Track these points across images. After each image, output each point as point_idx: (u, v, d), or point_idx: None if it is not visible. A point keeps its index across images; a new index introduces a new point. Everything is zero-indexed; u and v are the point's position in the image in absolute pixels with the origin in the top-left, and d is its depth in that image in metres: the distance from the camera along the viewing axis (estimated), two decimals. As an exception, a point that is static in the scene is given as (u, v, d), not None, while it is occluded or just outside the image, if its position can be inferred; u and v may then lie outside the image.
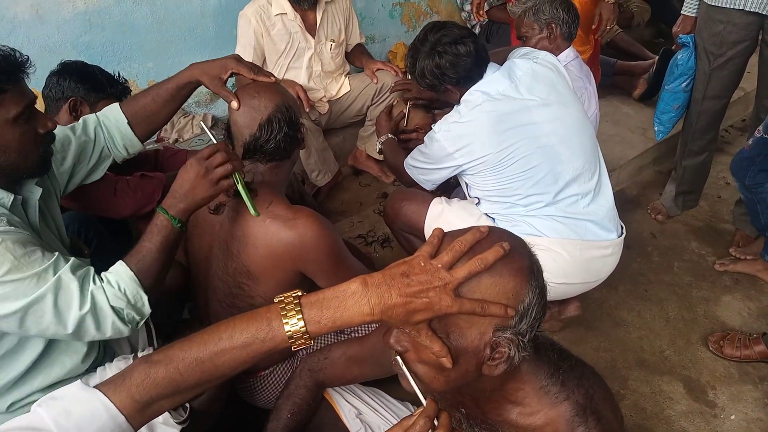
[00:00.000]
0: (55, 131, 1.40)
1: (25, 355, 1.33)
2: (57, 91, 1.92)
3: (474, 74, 1.97)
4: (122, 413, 0.81)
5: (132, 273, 1.32)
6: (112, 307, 1.28)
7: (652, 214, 3.06)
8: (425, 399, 0.91)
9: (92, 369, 1.47)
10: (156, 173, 2.03)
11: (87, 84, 1.93)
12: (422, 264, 0.85)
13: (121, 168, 1.86)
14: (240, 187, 1.41)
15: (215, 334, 0.85)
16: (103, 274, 1.32)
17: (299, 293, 0.86)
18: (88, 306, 1.24)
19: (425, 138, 2.06)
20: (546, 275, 0.93)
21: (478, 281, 0.85)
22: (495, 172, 1.95)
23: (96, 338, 1.30)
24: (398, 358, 0.93)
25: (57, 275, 1.23)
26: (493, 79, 1.97)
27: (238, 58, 1.59)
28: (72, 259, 1.29)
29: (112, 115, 1.63)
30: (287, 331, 0.83)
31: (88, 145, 1.61)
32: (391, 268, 0.86)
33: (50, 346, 1.37)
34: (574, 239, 1.98)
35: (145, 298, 1.34)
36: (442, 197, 2.17)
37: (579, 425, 0.96)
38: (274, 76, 1.59)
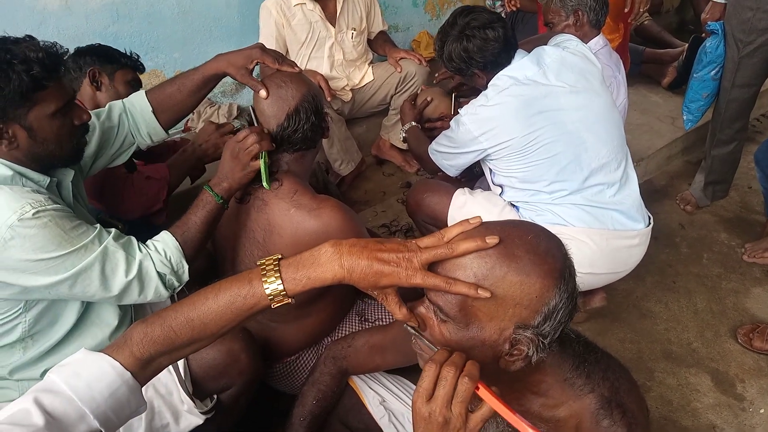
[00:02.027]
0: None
1: (61, 326, 1.41)
2: (75, 69, 2.00)
3: (502, 59, 1.96)
4: (127, 370, 0.88)
5: (177, 243, 1.43)
6: (158, 273, 1.38)
7: (680, 205, 3.01)
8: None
9: None
10: (160, 170, 2.02)
11: (102, 57, 2.03)
12: (399, 240, 0.90)
13: (146, 155, 1.87)
14: (261, 163, 1.47)
15: (203, 295, 0.92)
16: (148, 242, 1.42)
17: (279, 256, 0.92)
18: (134, 272, 1.34)
19: (451, 122, 2.05)
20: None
21: (503, 278, 0.85)
22: (519, 157, 1.94)
23: (137, 302, 1.39)
24: (410, 328, 0.94)
25: (103, 245, 1.31)
26: (521, 64, 1.95)
27: (262, 48, 1.59)
28: (113, 230, 1.36)
29: (138, 102, 1.65)
30: (266, 289, 0.89)
31: (111, 131, 1.64)
32: (370, 238, 0.92)
33: (83, 318, 1.44)
34: (600, 228, 1.95)
35: (186, 266, 1.43)
36: (465, 188, 2.16)
37: (604, 418, 0.96)
38: (297, 66, 1.60)
